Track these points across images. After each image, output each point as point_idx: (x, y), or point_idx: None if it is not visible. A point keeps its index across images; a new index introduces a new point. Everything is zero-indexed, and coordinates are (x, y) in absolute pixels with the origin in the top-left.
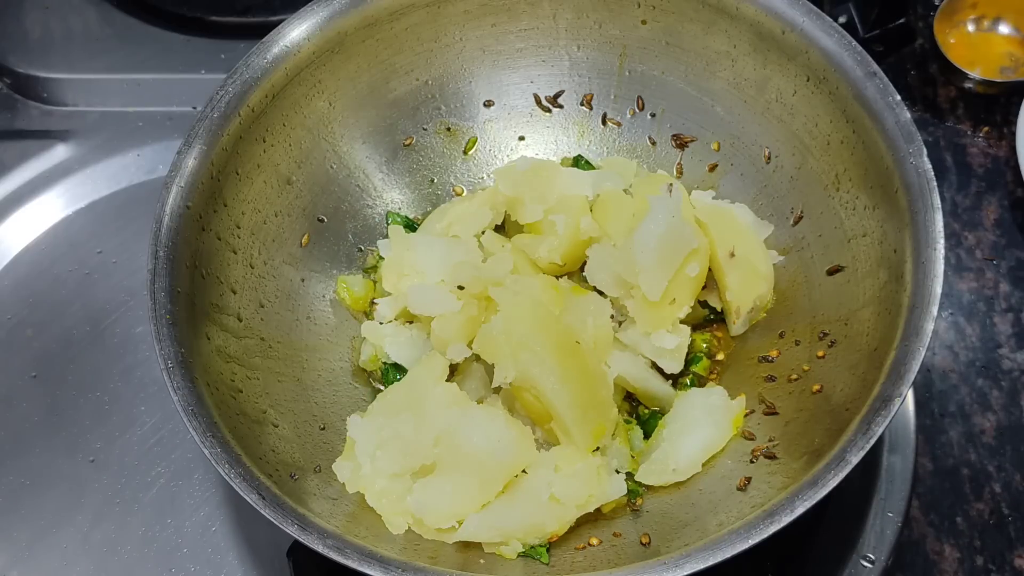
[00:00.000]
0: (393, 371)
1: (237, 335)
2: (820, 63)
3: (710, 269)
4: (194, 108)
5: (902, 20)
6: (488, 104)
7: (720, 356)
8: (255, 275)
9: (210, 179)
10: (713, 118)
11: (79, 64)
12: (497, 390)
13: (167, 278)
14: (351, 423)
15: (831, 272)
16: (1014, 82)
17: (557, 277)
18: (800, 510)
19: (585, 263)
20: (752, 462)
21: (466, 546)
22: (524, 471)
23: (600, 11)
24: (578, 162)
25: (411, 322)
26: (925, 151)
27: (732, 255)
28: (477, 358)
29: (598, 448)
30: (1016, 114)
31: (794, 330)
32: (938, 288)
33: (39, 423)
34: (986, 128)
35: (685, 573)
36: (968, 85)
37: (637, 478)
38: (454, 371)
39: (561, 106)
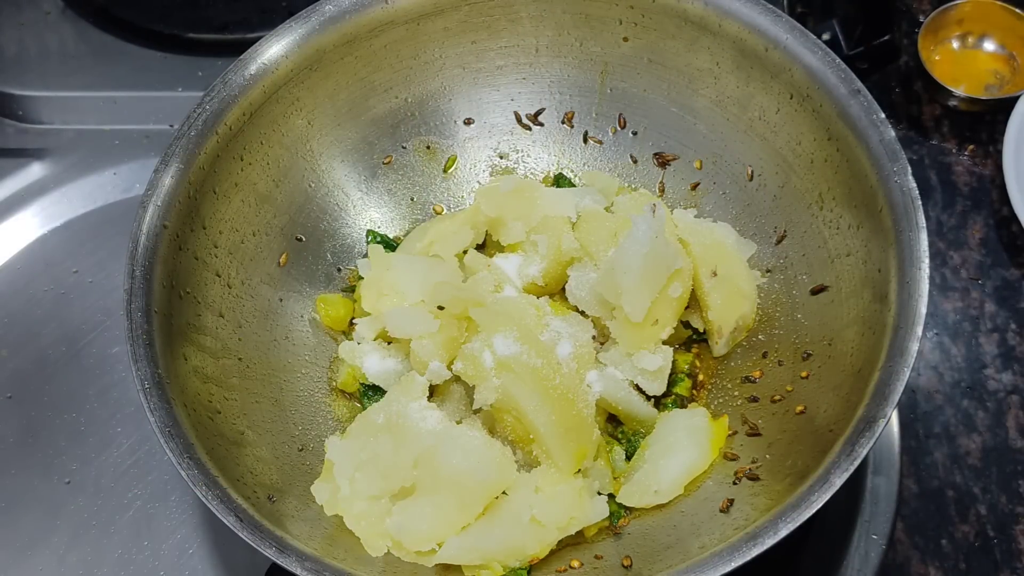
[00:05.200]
0: (371, 392)
1: (214, 355)
2: (804, 81)
3: (692, 289)
4: (171, 126)
5: (886, 37)
6: (468, 122)
7: (702, 377)
8: (232, 295)
9: (187, 198)
10: (695, 136)
11: (55, 82)
12: (477, 411)
13: (144, 298)
14: (330, 444)
15: (815, 292)
16: (999, 99)
17: (538, 297)
18: (783, 532)
19: (567, 283)
20: (735, 484)
21: (446, 568)
22: (504, 493)
23: (581, 28)
24: (559, 180)
25: (390, 342)
26: (910, 169)
27: (714, 274)
28: (457, 379)
29: (580, 470)
30: (1001, 132)
31: (777, 350)
32: (923, 308)
33: (14, 444)
34: (971, 146)
35: None
36: (953, 103)
37: (619, 500)
38: (434, 392)
39: (542, 124)
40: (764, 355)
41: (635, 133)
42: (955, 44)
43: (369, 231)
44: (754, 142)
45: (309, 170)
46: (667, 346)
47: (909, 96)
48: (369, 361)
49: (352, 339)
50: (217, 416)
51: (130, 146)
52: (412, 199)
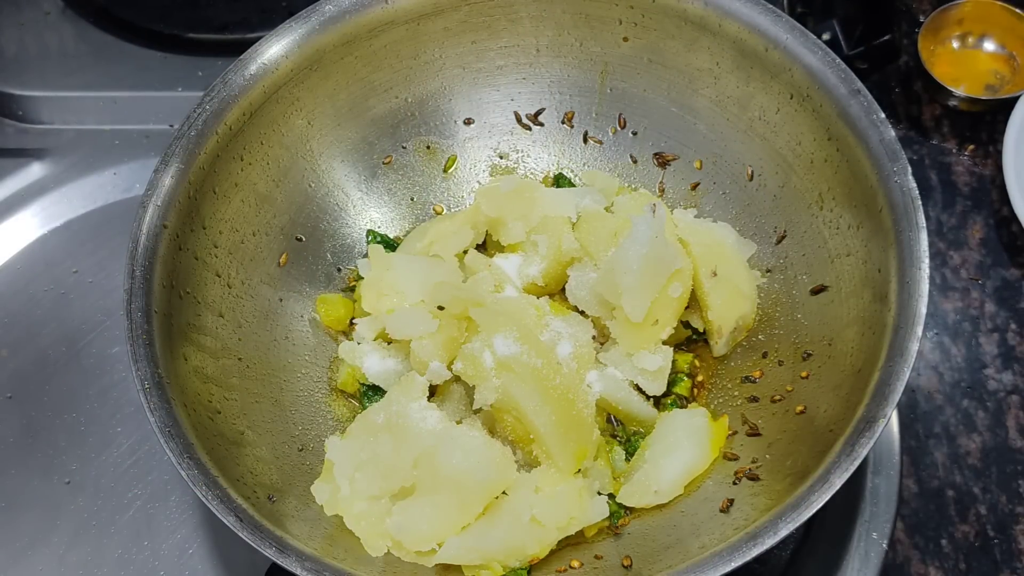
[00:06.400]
0: (371, 392)
1: (214, 355)
2: (804, 81)
3: (692, 289)
4: (171, 126)
5: (887, 37)
6: (468, 122)
7: (702, 377)
8: (232, 295)
9: (187, 198)
10: (695, 136)
11: (55, 82)
12: (477, 411)
13: (144, 298)
14: (329, 445)
15: (815, 292)
16: (999, 99)
17: (538, 297)
18: (784, 532)
19: (567, 283)
20: (735, 484)
21: (446, 569)
22: (504, 493)
23: (581, 28)
24: (560, 180)
25: (390, 342)
26: (910, 169)
27: (714, 274)
28: (457, 379)
29: (580, 470)
30: (1001, 132)
31: (777, 350)
32: (923, 308)
33: (14, 444)
34: (971, 146)
35: None
36: (953, 103)
37: (619, 500)
38: (434, 392)
39: (542, 124)
40: (764, 355)
41: (635, 133)
42: (955, 44)
43: (369, 231)
44: (754, 142)
45: (309, 170)
46: (667, 346)
47: (909, 96)
48: (369, 361)
49: (352, 339)
50: (217, 416)
51: (130, 146)
52: (412, 199)
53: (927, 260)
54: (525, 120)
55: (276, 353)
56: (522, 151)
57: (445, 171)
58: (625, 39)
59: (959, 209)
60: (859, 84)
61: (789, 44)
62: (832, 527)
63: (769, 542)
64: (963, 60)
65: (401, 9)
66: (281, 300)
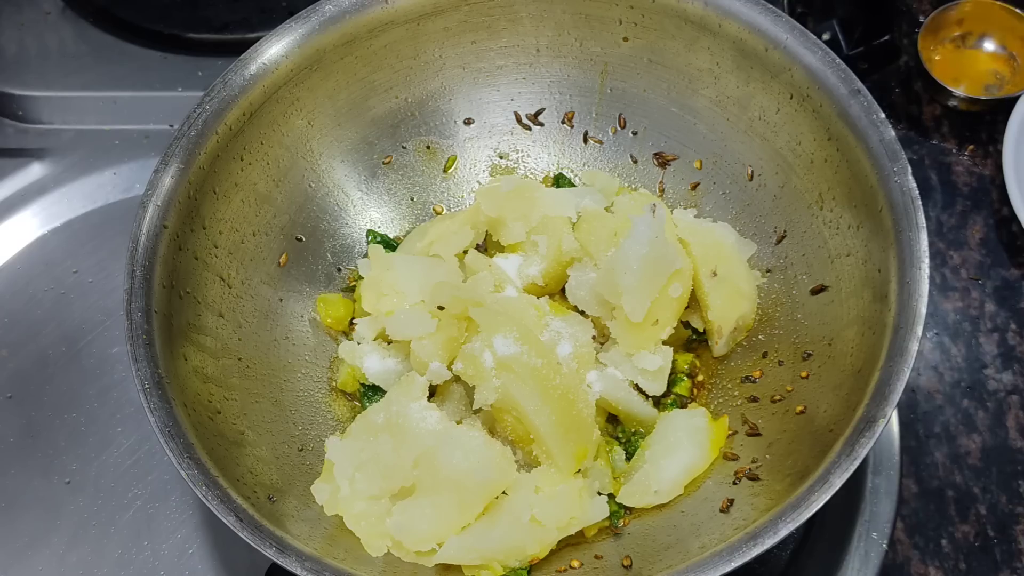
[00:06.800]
0: (371, 392)
1: (214, 355)
2: (804, 80)
3: (692, 289)
4: (171, 126)
5: (886, 37)
6: (468, 122)
7: (702, 377)
8: (232, 295)
9: (187, 198)
10: (695, 136)
11: (55, 82)
12: (477, 411)
13: (144, 298)
14: (329, 445)
15: (815, 292)
16: (999, 99)
17: (538, 297)
18: (783, 532)
19: (567, 283)
20: (735, 484)
21: (446, 569)
22: (504, 493)
23: (581, 28)
24: (559, 180)
25: (390, 342)
26: (910, 169)
27: (714, 274)
28: (457, 379)
29: (580, 470)
30: (1001, 132)
31: (777, 350)
32: (923, 308)
33: (14, 444)
34: (971, 146)
35: None
36: (953, 103)
37: (619, 500)
38: (434, 392)
39: (542, 124)
40: (764, 355)
41: (635, 133)
42: (955, 44)
43: (369, 231)
44: (754, 142)
45: (309, 170)
46: (667, 346)
47: (909, 96)
48: (369, 361)
49: (352, 339)
50: (217, 416)
51: (130, 146)
52: (412, 199)
53: (927, 260)
54: (525, 120)
55: (276, 353)
56: (522, 151)
57: (445, 171)
58: (625, 39)
59: (959, 209)
60: (859, 84)
61: (789, 44)
62: (832, 527)
63: (769, 542)
64: (963, 60)
65: (401, 9)
66: (281, 300)
